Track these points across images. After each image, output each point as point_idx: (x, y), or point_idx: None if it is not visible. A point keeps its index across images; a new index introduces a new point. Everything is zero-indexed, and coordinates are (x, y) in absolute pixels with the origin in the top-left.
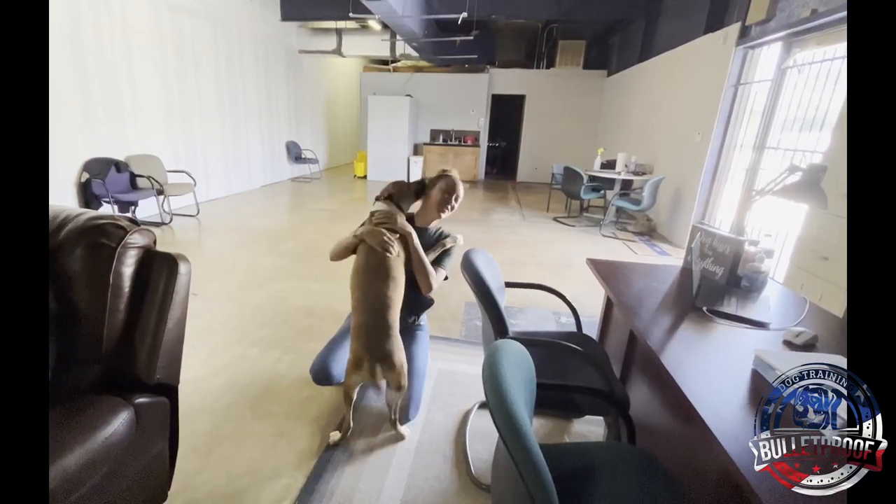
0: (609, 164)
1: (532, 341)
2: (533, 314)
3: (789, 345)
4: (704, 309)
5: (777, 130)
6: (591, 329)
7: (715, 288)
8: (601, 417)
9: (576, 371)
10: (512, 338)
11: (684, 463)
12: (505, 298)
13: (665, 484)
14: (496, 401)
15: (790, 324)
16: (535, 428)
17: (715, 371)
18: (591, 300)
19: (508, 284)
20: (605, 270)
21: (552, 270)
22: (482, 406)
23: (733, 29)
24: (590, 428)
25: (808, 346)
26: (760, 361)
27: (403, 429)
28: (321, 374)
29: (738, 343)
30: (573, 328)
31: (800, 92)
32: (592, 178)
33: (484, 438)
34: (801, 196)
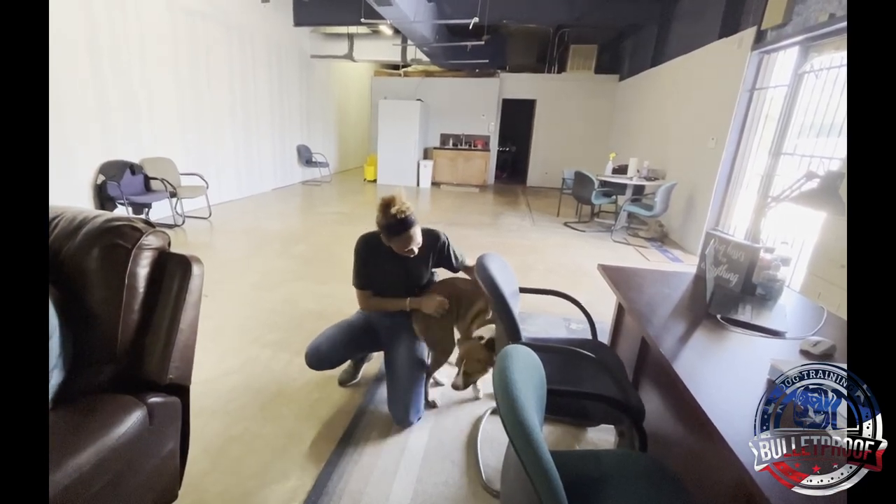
0: (621, 170)
1: (546, 347)
2: (543, 320)
3: (806, 354)
4: (718, 317)
5: (793, 136)
6: (602, 336)
7: (729, 296)
8: (612, 425)
9: (589, 379)
10: (525, 344)
11: (697, 472)
12: (519, 304)
13: (677, 494)
14: (507, 407)
15: (807, 333)
16: (545, 435)
17: (729, 380)
18: (600, 306)
19: (523, 290)
20: (616, 277)
21: (562, 276)
22: (494, 412)
23: (748, 33)
24: (600, 435)
25: (826, 356)
26: (777, 371)
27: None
28: (313, 358)
29: (753, 352)
30: (584, 334)
31: (817, 97)
32: (604, 184)
33: (493, 444)
34: (819, 203)
